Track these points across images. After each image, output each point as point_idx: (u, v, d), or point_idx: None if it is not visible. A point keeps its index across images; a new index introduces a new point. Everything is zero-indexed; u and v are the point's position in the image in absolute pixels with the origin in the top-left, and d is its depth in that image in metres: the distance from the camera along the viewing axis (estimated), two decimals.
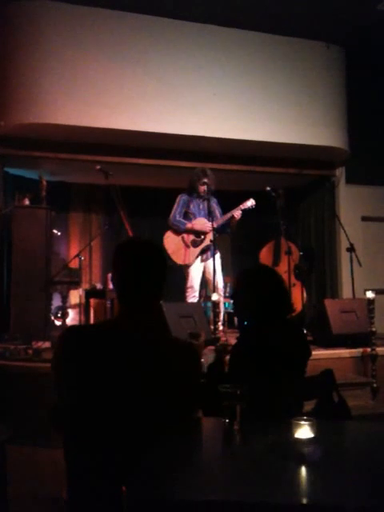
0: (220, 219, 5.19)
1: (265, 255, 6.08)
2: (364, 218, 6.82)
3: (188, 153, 6.09)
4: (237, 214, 5.13)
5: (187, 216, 5.22)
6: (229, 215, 5.16)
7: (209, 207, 5.11)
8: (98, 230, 6.94)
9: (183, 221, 5.19)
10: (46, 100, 5.19)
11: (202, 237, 5.16)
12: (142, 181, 6.95)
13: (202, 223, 5.15)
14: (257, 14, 5.51)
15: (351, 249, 5.28)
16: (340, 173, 6.79)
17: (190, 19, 5.58)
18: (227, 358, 2.20)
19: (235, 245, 7.37)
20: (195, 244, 5.17)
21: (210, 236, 5.07)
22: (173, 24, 5.59)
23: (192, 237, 5.18)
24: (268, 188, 5.24)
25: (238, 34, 5.81)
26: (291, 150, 6.16)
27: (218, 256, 5.22)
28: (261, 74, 5.87)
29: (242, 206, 5.16)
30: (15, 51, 5.24)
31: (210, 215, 5.10)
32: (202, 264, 5.20)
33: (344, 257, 6.12)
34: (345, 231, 5.48)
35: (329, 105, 6.17)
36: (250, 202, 5.19)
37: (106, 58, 5.36)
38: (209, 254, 5.15)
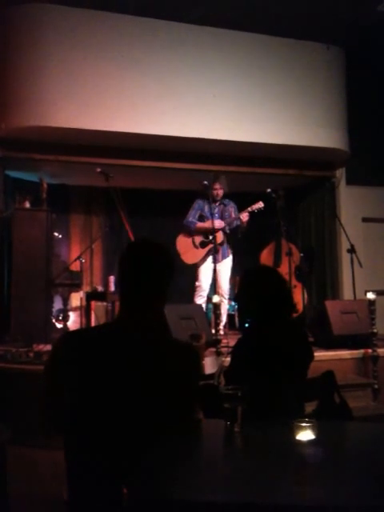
0: (227, 220, 5.33)
1: (265, 257, 6.08)
2: (365, 219, 6.81)
3: (188, 155, 6.08)
4: (244, 216, 5.20)
5: (202, 219, 5.42)
6: (236, 217, 5.27)
7: (223, 211, 5.32)
8: (98, 232, 6.94)
9: (194, 221, 5.39)
10: (46, 102, 5.19)
11: (210, 237, 5.25)
12: (143, 183, 6.95)
13: (210, 223, 5.26)
14: (257, 15, 5.51)
15: (352, 250, 5.28)
16: (340, 174, 6.79)
17: (190, 21, 5.57)
18: (227, 359, 2.20)
19: (235, 246, 7.35)
20: (203, 244, 5.36)
21: (219, 237, 5.20)
22: (172, 26, 5.59)
23: (201, 238, 5.38)
24: (269, 190, 5.31)
25: (237, 35, 5.81)
26: (291, 152, 6.15)
27: (228, 259, 5.41)
28: (261, 75, 5.86)
29: (251, 209, 5.28)
30: (15, 54, 5.24)
31: (223, 218, 5.32)
32: (213, 265, 5.25)
33: (344, 258, 6.11)
34: (345, 232, 5.49)
35: (329, 106, 6.16)
36: (258, 205, 5.27)
37: (106, 61, 5.36)
38: (220, 256, 5.24)
